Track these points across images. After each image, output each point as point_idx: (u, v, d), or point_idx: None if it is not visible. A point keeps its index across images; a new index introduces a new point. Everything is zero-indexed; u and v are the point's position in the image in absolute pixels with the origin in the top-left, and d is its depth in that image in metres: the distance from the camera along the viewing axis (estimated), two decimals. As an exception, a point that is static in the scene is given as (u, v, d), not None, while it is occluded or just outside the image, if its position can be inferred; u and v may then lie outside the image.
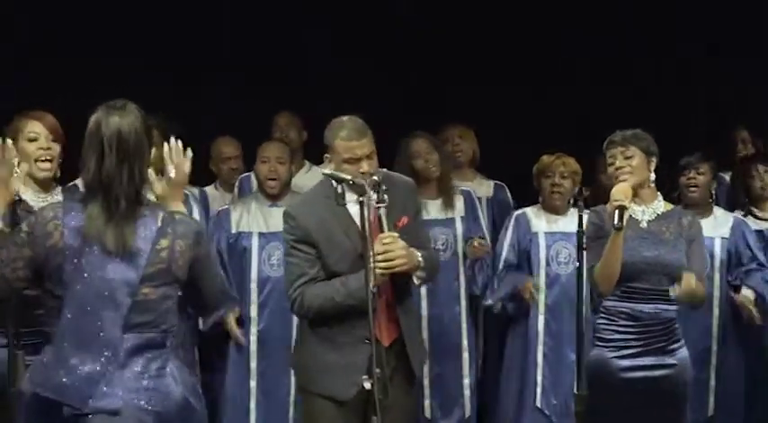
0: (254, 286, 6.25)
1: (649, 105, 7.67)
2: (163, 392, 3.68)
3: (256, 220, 6.28)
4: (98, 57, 7.55)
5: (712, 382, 6.38)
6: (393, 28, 8.09)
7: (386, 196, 4.73)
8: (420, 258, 4.83)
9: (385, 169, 5.09)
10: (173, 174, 3.96)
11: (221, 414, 6.34)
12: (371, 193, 4.63)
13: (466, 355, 6.53)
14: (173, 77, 7.64)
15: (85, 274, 3.64)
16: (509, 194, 7.10)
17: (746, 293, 6.28)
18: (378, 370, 4.54)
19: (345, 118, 4.91)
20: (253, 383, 6.27)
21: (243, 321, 6.27)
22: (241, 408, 6.27)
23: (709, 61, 8.13)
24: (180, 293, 3.82)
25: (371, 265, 4.55)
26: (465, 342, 6.54)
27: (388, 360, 4.81)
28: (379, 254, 4.69)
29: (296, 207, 5.00)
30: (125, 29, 7.71)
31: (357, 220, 4.62)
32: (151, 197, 3.92)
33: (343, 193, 4.56)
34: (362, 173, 4.74)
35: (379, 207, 4.70)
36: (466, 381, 6.54)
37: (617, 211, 4.87)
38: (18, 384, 4.31)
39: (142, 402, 3.65)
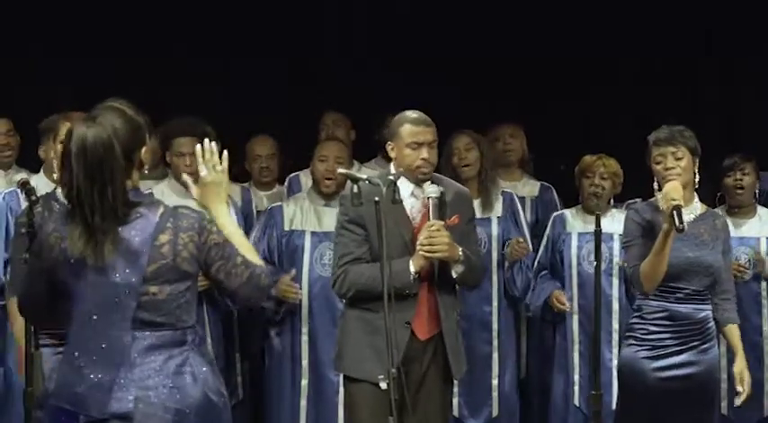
0: (305, 285, 6.23)
1: (689, 105, 7.78)
2: (181, 390, 3.64)
3: (309, 218, 6.27)
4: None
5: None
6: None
7: (442, 193, 4.89)
8: (461, 252, 4.90)
9: (440, 175, 5.21)
10: (203, 173, 3.88)
11: (270, 412, 6.35)
12: (426, 186, 4.81)
13: (495, 356, 6.54)
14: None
15: (87, 283, 3.62)
16: (555, 195, 7.07)
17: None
18: (394, 370, 4.52)
19: (410, 111, 5.07)
20: (304, 382, 6.27)
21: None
22: (291, 406, 6.27)
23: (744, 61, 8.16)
24: (200, 287, 3.81)
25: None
26: (495, 342, 6.56)
27: (425, 354, 4.90)
28: (423, 239, 4.81)
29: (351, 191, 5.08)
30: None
31: (409, 211, 4.92)
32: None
33: (359, 193, 4.59)
34: (423, 159, 4.92)
35: (430, 198, 4.84)
36: (495, 381, 6.55)
37: (675, 212, 4.83)
38: (35, 384, 4.34)
39: (158, 400, 3.61)
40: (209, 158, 3.87)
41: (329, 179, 6.24)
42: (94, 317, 3.61)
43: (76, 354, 3.65)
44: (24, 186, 4.60)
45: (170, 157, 6.08)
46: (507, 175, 6.98)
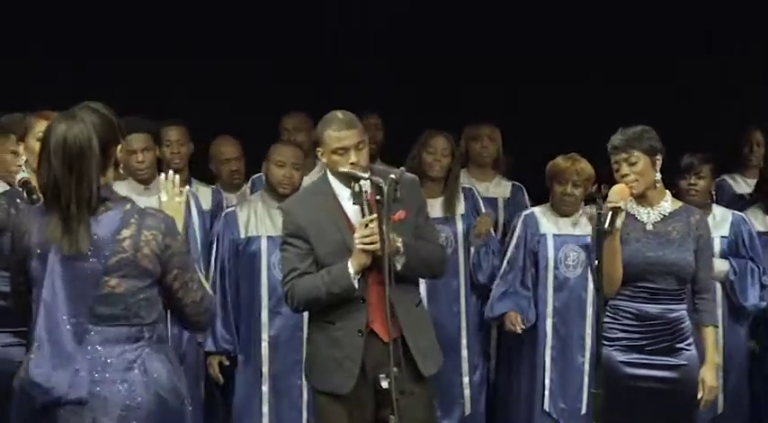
0: (264, 291, 6.20)
1: (664, 104, 7.73)
2: (131, 385, 3.72)
3: (264, 223, 6.24)
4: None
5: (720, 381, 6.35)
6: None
7: (397, 192, 4.70)
8: (399, 244, 4.77)
9: (381, 167, 5.14)
10: (164, 199, 4.09)
11: (233, 419, 6.33)
12: (365, 184, 4.64)
13: (465, 354, 6.54)
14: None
15: (51, 270, 3.74)
16: (526, 196, 7.08)
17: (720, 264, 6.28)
18: (396, 369, 4.51)
19: (336, 111, 4.95)
20: (265, 388, 6.22)
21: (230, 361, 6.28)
22: (253, 413, 6.24)
23: (740, 61, 8.16)
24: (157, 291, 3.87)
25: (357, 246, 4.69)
26: (464, 340, 6.55)
27: (394, 357, 4.74)
28: (358, 234, 4.72)
29: (290, 202, 5.08)
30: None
31: (350, 214, 4.79)
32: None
33: (360, 192, 4.60)
34: (352, 163, 4.78)
35: (373, 195, 4.64)
36: (465, 379, 6.56)
37: (610, 213, 4.84)
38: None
39: (109, 394, 3.70)
40: (170, 188, 4.08)
41: (287, 184, 6.18)
42: (56, 304, 3.72)
43: (38, 339, 3.76)
44: (26, 185, 4.59)
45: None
46: (480, 175, 7.01)
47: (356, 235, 4.73)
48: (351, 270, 4.75)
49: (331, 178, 4.91)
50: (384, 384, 4.54)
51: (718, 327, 5.27)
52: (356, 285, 4.76)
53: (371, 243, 4.67)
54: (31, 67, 7.64)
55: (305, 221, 4.87)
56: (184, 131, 6.75)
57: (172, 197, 4.09)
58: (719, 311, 6.32)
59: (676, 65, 8.14)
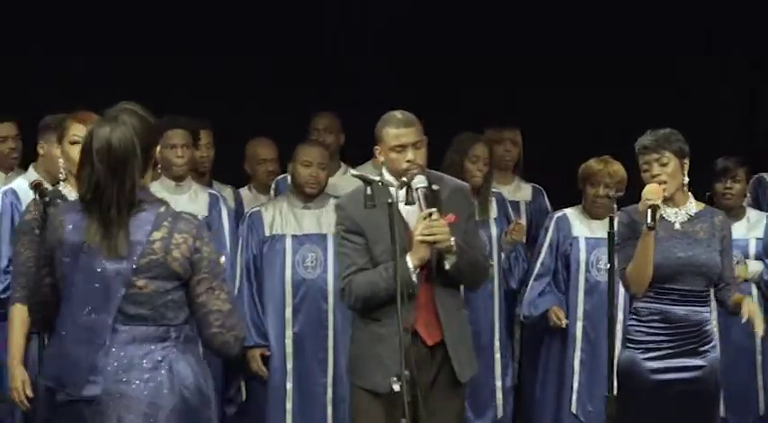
0: (288, 288, 6.24)
1: (688, 105, 7.77)
2: (156, 385, 3.72)
3: (289, 222, 6.27)
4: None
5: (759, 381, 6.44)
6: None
7: (435, 190, 4.83)
8: (452, 243, 4.79)
9: (438, 172, 5.15)
10: None
11: (260, 417, 6.33)
12: (418, 181, 4.72)
13: (498, 357, 6.56)
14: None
15: (82, 267, 3.73)
16: (547, 199, 7.08)
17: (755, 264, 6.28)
18: (407, 372, 4.52)
19: (395, 111, 4.99)
20: (289, 385, 6.26)
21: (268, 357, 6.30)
22: (278, 409, 6.26)
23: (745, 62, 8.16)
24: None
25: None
26: (497, 343, 6.58)
27: (434, 359, 4.85)
28: (420, 228, 4.74)
29: (346, 199, 5.08)
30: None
31: (405, 215, 4.82)
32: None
33: (373, 195, 4.62)
34: (408, 161, 4.82)
35: (418, 190, 4.74)
36: (499, 382, 6.58)
37: (649, 211, 4.87)
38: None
39: (133, 393, 3.69)
40: None
41: (313, 184, 6.23)
42: (84, 301, 3.72)
43: (63, 334, 3.77)
44: (38, 188, 4.59)
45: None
46: (501, 178, 7.00)
47: (416, 228, 4.76)
48: (410, 264, 4.76)
49: (387, 177, 4.91)
50: (396, 387, 4.53)
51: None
52: (415, 280, 4.77)
53: (431, 234, 4.70)
54: (31, 68, 7.60)
55: (360, 218, 4.87)
56: (212, 135, 6.76)
57: None
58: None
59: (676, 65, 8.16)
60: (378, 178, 4.67)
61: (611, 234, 4.87)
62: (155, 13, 7.75)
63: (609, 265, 4.85)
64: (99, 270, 3.71)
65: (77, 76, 7.47)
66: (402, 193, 4.81)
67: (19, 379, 4.79)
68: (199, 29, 7.87)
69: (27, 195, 5.01)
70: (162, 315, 3.76)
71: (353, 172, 4.90)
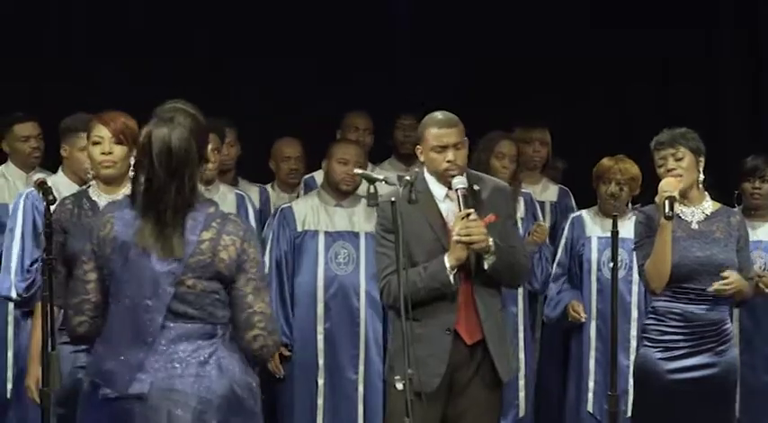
0: (320, 284, 6.26)
1: (697, 105, 7.82)
2: (206, 379, 3.74)
3: (321, 218, 6.30)
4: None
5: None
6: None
7: (476, 190, 4.89)
8: (491, 242, 4.83)
9: (478, 172, 5.18)
10: None
11: (289, 412, 6.35)
12: (458, 181, 4.78)
13: (522, 356, 6.58)
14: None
15: (131, 265, 3.75)
16: (573, 200, 7.09)
17: None
18: (410, 370, 4.52)
19: (437, 111, 5.03)
20: (320, 381, 6.28)
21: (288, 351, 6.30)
22: (309, 406, 6.29)
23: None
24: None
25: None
26: (521, 343, 6.61)
27: (473, 359, 4.88)
28: (458, 229, 4.77)
29: (385, 198, 5.05)
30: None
31: (445, 213, 4.88)
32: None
33: (376, 194, 4.63)
34: (449, 161, 4.87)
35: (457, 190, 4.79)
36: (521, 382, 6.60)
37: (666, 202, 4.91)
38: (52, 384, 4.37)
39: (183, 387, 3.71)
40: None
41: (349, 181, 6.26)
42: (135, 299, 3.74)
43: (113, 332, 3.78)
44: (41, 186, 4.61)
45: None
46: (528, 178, 7.02)
47: (454, 228, 4.79)
48: (447, 264, 4.79)
49: (428, 177, 4.97)
50: (399, 386, 4.50)
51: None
52: (452, 281, 4.80)
53: (468, 235, 4.73)
54: (41, 70, 7.62)
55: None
56: (235, 132, 6.79)
57: None
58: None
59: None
60: (381, 177, 4.66)
61: (614, 233, 4.88)
62: (156, 13, 7.77)
63: (612, 264, 4.87)
64: (149, 269, 3.73)
65: (77, 76, 7.48)
66: (442, 192, 4.90)
67: (34, 377, 4.81)
68: (199, 29, 7.91)
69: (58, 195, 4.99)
70: (210, 313, 3.79)
71: (357, 171, 4.86)
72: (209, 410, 3.73)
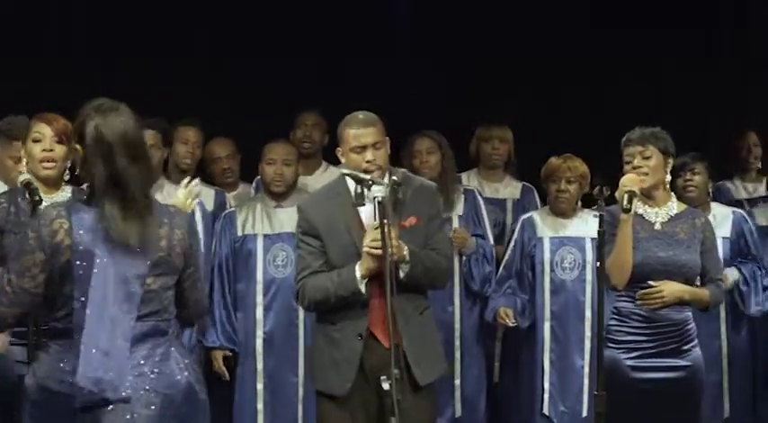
0: (259, 288, 6.25)
1: (667, 105, 7.78)
2: (168, 376, 3.76)
3: (261, 221, 6.28)
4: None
5: (725, 384, 6.41)
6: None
7: (400, 194, 4.79)
8: (406, 252, 4.76)
9: (405, 170, 5.15)
10: (179, 195, 4.41)
11: (230, 417, 6.34)
12: (377, 189, 4.62)
13: (458, 355, 6.55)
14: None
15: (98, 271, 3.69)
16: (537, 197, 7.06)
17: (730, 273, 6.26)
18: (396, 370, 4.52)
19: (358, 111, 4.96)
20: (260, 385, 6.26)
21: (234, 359, 6.30)
22: (249, 410, 6.27)
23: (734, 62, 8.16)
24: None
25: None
26: (457, 342, 6.56)
27: (395, 361, 4.71)
28: (368, 240, 4.70)
29: (307, 201, 5.09)
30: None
31: (363, 216, 4.79)
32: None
33: (363, 194, 4.63)
34: (368, 161, 4.79)
35: (375, 198, 4.61)
36: (457, 381, 6.57)
37: (626, 195, 4.91)
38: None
39: (148, 386, 3.72)
40: (189, 194, 4.34)
41: (279, 181, 6.23)
42: (105, 302, 3.70)
43: (88, 340, 3.69)
44: (28, 186, 4.62)
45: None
46: (490, 176, 7.04)
47: (365, 239, 4.73)
48: (358, 274, 4.75)
49: (348, 179, 4.89)
50: (385, 386, 4.52)
51: (712, 303, 5.26)
52: (363, 290, 4.76)
53: (379, 248, 4.63)
54: (38, 67, 7.66)
55: (318, 220, 4.88)
56: (201, 134, 6.78)
57: (183, 203, 4.25)
58: (722, 314, 6.38)
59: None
60: (368, 176, 4.66)
61: (601, 233, 4.87)
62: (155, 13, 7.79)
63: (598, 264, 4.86)
64: (120, 273, 3.70)
65: (75, 76, 7.51)
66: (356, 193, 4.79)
67: None
68: (199, 29, 7.91)
69: None
70: (165, 309, 3.82)
71: (345, 170, 4.81)
72: (172, 405, 3.75)
